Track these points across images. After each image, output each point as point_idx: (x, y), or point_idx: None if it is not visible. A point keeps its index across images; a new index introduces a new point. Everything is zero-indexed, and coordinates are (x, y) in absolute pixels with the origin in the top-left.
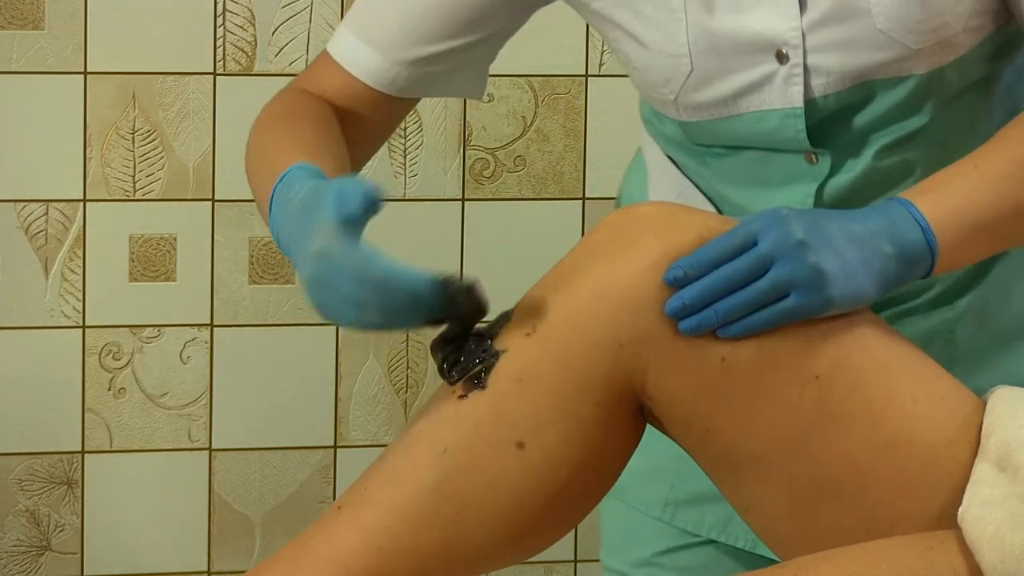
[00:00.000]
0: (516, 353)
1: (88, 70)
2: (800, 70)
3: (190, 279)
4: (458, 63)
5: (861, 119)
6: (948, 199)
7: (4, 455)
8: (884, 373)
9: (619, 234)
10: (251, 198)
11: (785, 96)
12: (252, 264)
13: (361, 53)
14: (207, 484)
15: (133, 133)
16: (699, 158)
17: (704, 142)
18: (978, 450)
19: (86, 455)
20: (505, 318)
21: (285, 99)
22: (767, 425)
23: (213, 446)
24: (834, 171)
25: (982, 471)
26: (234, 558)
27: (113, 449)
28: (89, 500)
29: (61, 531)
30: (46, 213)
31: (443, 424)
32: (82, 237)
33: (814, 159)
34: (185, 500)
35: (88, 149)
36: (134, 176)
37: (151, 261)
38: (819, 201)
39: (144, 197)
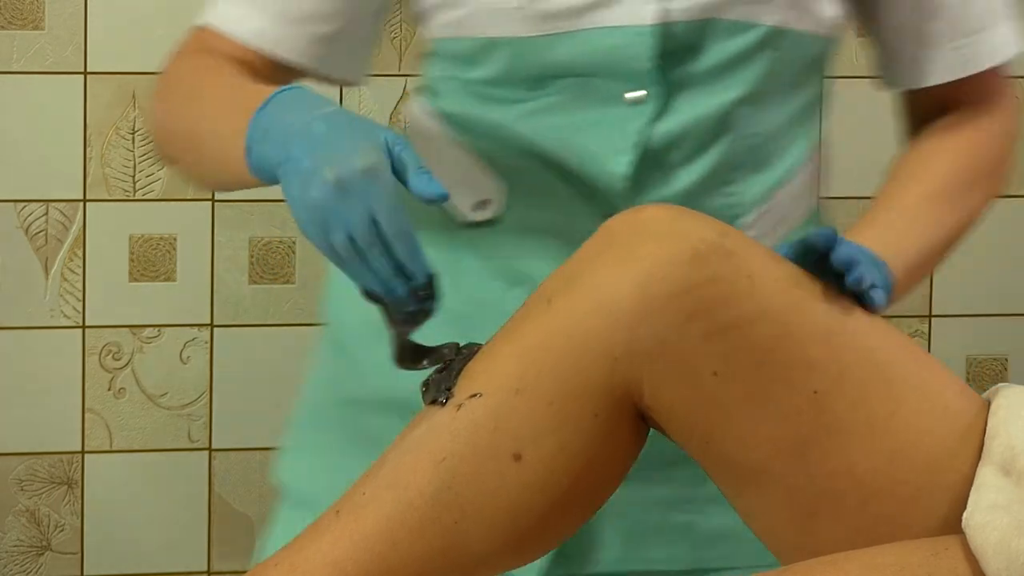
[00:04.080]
0: (514, 361)
1: (88, 70)
2: None
3: (190, 279)
4: (341, 33)
5: (699, 62)
6: (885, 237)
7: (4, 455)
8: (886, 385)
9: (618, 240)
10: (251, 198)
11: (638, 14)
12: (252, 264)
13: (245, 16)
14: (207, 484)
15: (133, 133)
16: (508, 105)
17: (531, 71)
18: (981, 453)
19: (86, 455)
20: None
21: (191, 59)
22: (766, 438)
23: (213, 446)
24: (660, 115)
25: (986, 475)
26: (234, 558)
27: (113, 449)
28: (89, 500)
29: (61, 531)
30: (46, 213)
31: (442, 433)
32: (82, 237)
33: (640, 99)
34: (185, 500)
35: (88, 149)
36: (134, 176)
37: (151, 261)
38: (644, 147)
39: (144, 197)
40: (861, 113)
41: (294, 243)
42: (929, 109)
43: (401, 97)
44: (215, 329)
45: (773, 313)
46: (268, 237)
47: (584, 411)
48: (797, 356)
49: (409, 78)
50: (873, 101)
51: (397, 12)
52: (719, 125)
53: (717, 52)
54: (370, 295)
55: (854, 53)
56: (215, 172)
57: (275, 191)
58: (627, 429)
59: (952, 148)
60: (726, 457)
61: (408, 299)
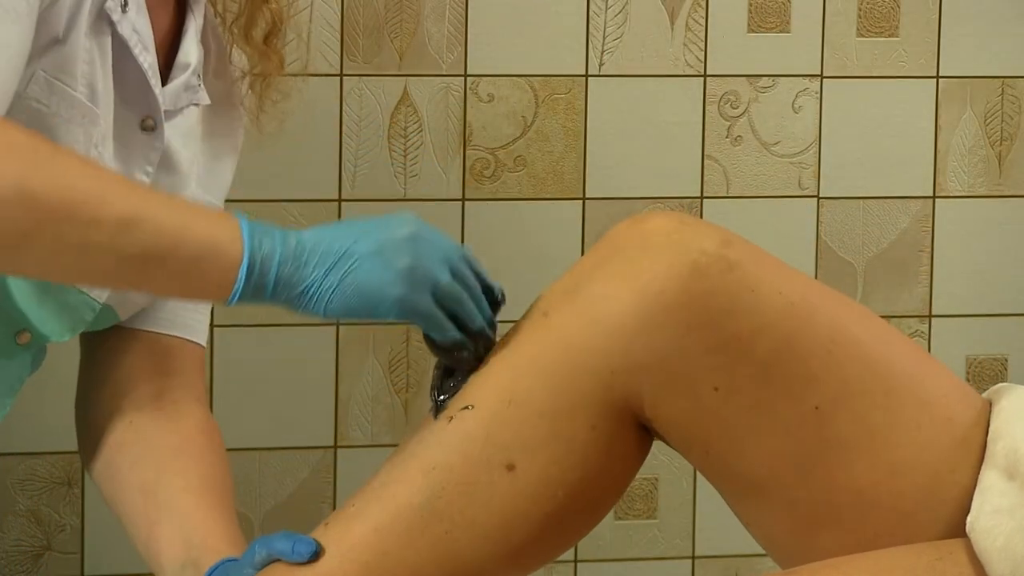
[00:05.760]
0: (507, 374)
1: None
2: None
3: None
4: None
5: None
6: None
7: (4, 455)
8: (888, 398)
9: (618, 252)
10: (251, 198)
11: None
12: None
13: None
14: None
15: None
16: None
17: None
18: (983, 455)
19: None
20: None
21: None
22: (767, 452)
23: None
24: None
25: (990, 479)
26: None
27: None
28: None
29: (61, 531)
30: None
31: (432, 444)
32: None
33: (27, 339)
34: None
35: None
36: None
37: None
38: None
39: None
40: (856, 112)
41: None
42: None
43: (401, 97)
44: (216, 329)
45: (775, 326)
46: None
47: (580, 423)
48: (799, 370)
49: (409, 78)
50: (868, 100)
51: (397, 11)
52: None
53: None
54: (451, 347)
55: (851, 53)
56: (108, 263)
57: (277, 191)
58: (628, 440)
59: None
60: (727, 469)
61: (488, 328)
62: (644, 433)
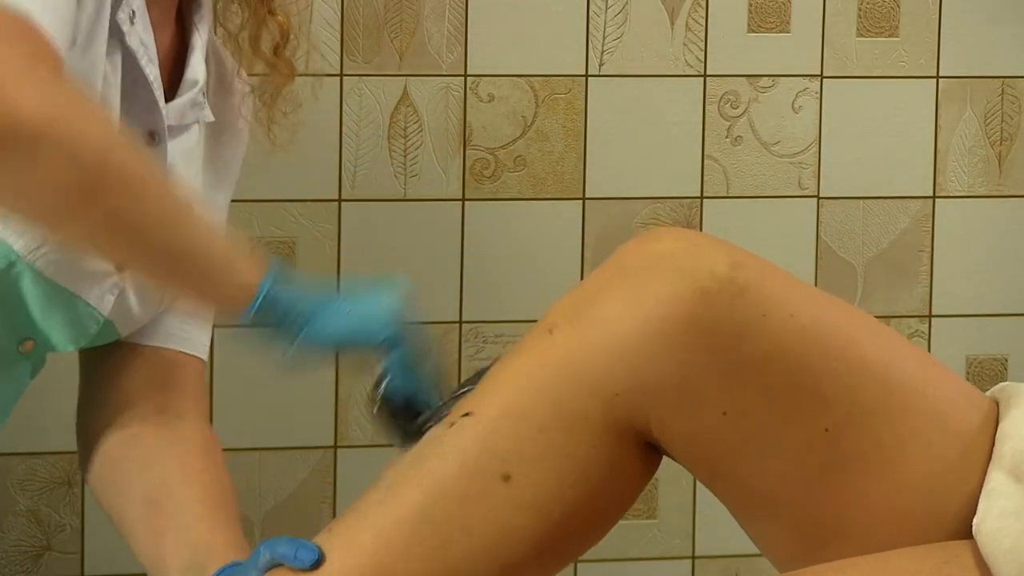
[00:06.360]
0: (508, 386)
1: None
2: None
3: None
4: None
5: None
6: None
7: (4, 455)
8: (899, 416)
9: (625, 274)
10: (251, 198)
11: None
12: None
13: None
14: None
15: None
16: None
17: None
18: (991, 454)
19: None
20: (476, 379)
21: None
22: (775, 473)
23: None
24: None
25: (997, 480)
26: None
27: None
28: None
29: (61, 531)
30: None
31: (432, 453)
32: None
33: (30, 347)
34: None
35: None
36: None
37: None
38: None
39: None
40: (856, 112)
41: (294, 243)
42: None
43: (401, 97)
44: (217, 329)
45: (786, 351)
46: (268, 237)
47: (580, 441)
48: (810, 393)
49: (409, 78)
50: (868, 100)
51: (397, 11)
52: None
53: None
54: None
55: (851, 53)
56: (155, 251)
57: (277, 191)
58: (632, 459)
59: None
60: (735, 488)
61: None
62: (650, 452)
